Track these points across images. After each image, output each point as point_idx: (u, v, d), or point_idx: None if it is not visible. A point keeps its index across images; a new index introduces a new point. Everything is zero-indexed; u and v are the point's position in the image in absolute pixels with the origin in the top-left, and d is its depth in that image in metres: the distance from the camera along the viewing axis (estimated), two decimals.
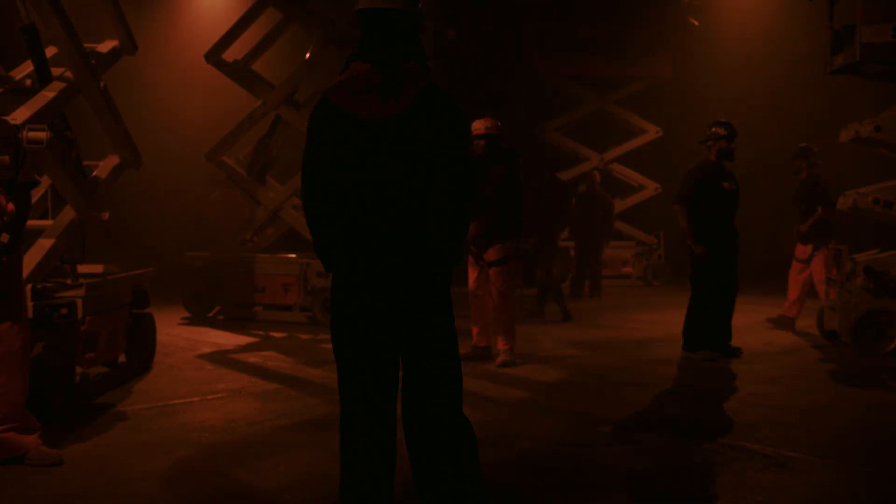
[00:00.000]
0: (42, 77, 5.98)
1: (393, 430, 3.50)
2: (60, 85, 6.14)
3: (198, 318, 10.74)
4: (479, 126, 7.55)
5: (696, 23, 15.41)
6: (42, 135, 5.61)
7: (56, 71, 6.17)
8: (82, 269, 6.58)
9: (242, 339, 9.19)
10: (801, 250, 10.22)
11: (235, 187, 11.48)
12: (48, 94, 6.02)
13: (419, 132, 3.33)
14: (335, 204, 3.39)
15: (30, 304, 5.49)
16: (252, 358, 8.04)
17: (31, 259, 5.83)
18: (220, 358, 8.06)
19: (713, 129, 8.24)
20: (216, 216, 11.64)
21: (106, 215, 6.82)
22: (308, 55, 10.99)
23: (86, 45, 6.50)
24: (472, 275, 7.76)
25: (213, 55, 11.15)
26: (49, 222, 6.38)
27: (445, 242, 3.40)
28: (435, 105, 3.35)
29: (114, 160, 7.10)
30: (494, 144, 7.60)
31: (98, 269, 6.71)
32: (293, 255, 10.57)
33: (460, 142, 3.43)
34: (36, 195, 6.77)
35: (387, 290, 3.37)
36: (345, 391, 3.53)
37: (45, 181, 6.73)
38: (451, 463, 3.44)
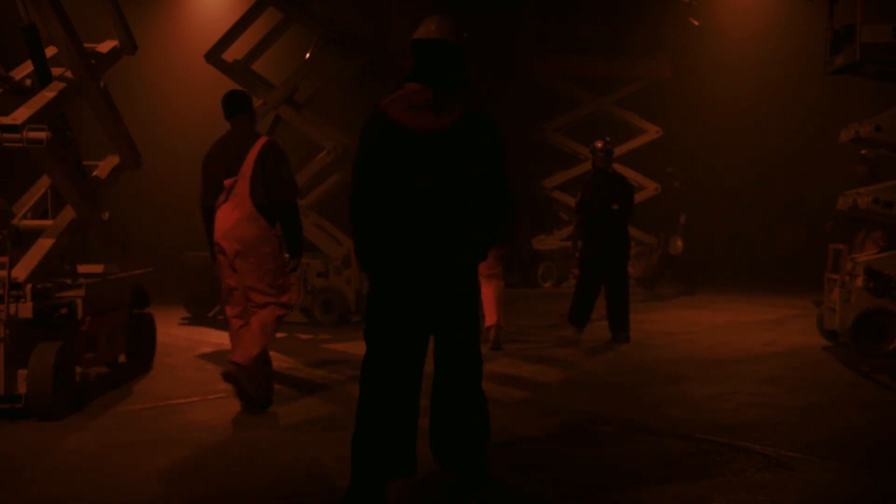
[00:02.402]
0: (42, 77, 5.98)
1: (416, 397, 3.98)
2: (60, 85, 6.14)
3: (198, 318, 10.74)
4: None
5: (696, 23, 15.40)
6: (42, 135, 5.61)
7: (56, 71, 6.17)
8: (82, 269, 6.58)
9: None
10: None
11: None
12: (48, 94, 6.02)
13: (460, 146, 3.89)
14: (382, 205, 3.88)
15: (30, 303, 5.51)
16: None
17: (31, 259, 5.84)
18: (221, 358, 8.04)
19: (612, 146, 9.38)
20: None
21: (106, 215, 6.82)
22: (308, 55, 10.99)
23: (86, 45, 6.50)
24: None
25: (213, 55, 11.14)
26: (49, 222, 6.38)
27: (474, 243, 3.97)
28: (476, 124, 3.95)
29: (114, 160, 7.10)
30: None
31: (98, 269, 6.71)
32: None
33: (496, 158, 3.98)
34: (36, 195, 6.79)
35: (423, 282, 3.90)
36: (376, 364, 3.96)
37: (45, 181, 6.75)
38: (464, 424, 4.03)
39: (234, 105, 5.91)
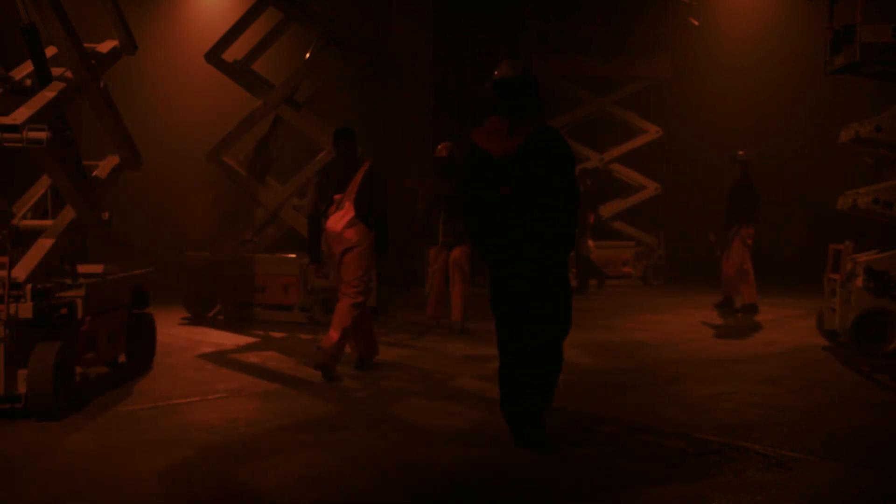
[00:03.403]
0: (42, 77, 5.98)
1: None
2: (60, 85, 6.14)
3: (198, 318, 10.74)
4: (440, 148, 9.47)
5: (696, 23, 15.40)
6: (42, 135, 5.61)
7: (56, 71, 6.17)
8: (82, 269, 6.58)
9: (242, 339, 9.18)
10: None
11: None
12: (48, 94, 6.02)
13: (530, 162, 4.85)
14: (483, 210, 4.98)
15: (30, 303, 5.50)
16: (252, 358, 8.04)
17: (31, 259, 5.84)
18: (220, 358, 8.06)
19: None
20: None
21: (106, 215, 6.82)
22: (308, 55, 10.98)
23: (86, 45, 6.49)
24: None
25: (213, 55, 11.13)
26: (49, 222, 6.38)
27: (551, 242, 4.88)
28: (543, 140, 4.91)
29: (114, 160, 7.10)
30: (441, 164, 9.33)
31: (98, 269, 6.71)
32: (293, 255, 10.56)
33: (562, 169, 4.90)
34: (36, 195, 6.79)
35: (512, 269, 4.93)
36: (500, 335, 5.12)
37: (45, 181, 6.74)
38: (519, 398, 5.01)
39: (339, 135, 7.43)
